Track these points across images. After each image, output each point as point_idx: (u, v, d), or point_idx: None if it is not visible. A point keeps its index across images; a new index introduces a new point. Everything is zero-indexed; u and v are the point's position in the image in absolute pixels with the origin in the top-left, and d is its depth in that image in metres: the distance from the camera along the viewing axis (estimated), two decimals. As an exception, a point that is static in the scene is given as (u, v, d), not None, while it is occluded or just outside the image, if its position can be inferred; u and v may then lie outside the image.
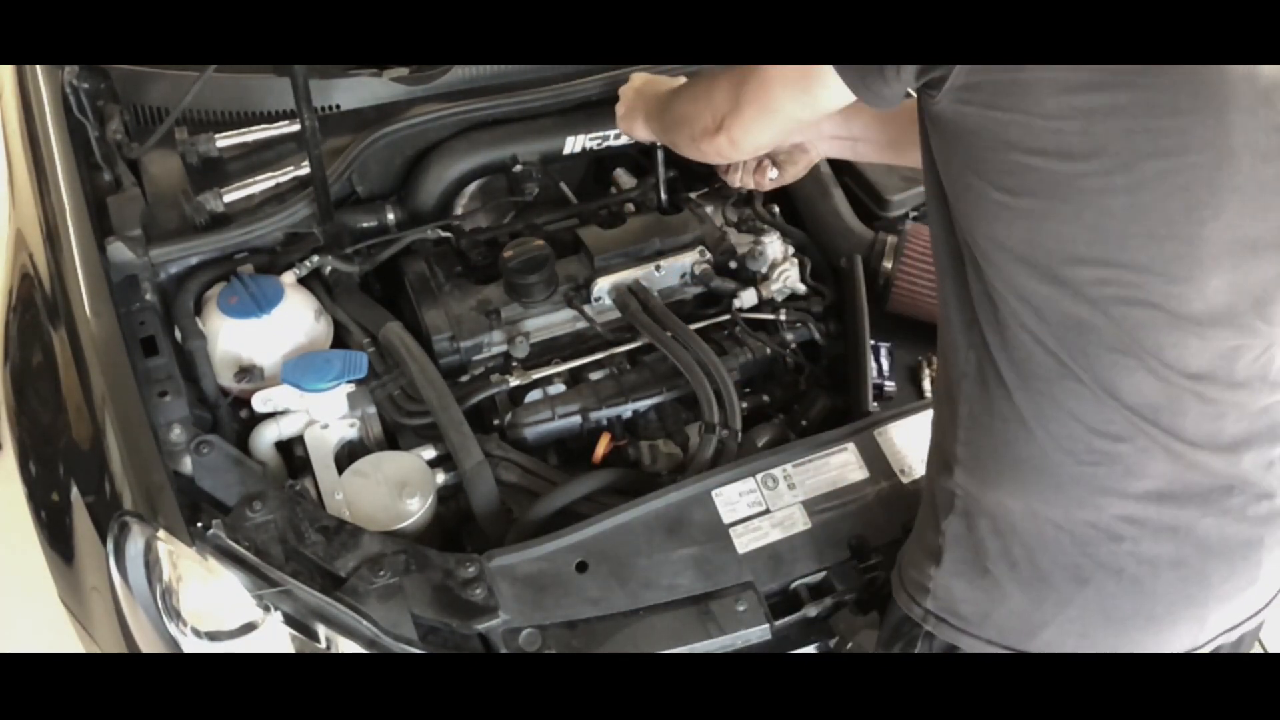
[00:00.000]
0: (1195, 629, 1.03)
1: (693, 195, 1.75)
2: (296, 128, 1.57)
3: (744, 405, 1.45)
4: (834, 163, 1.72)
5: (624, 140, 1.72)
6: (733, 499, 1.27)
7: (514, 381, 1.46)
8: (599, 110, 1.71)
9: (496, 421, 1.44)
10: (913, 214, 1.67)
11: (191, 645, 1.17)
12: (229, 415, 1.40)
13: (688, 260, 1.59)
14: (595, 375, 1.51)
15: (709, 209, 1.71)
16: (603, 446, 1.42)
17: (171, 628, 1.17)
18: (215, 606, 1.16)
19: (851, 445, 1.34)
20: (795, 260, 1.62)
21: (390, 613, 1.13)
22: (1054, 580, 0.99)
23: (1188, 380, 0.92)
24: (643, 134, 1.45)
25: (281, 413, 1.39)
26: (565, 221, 1.69)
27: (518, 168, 1.65)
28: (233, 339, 1.43)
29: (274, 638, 1.15)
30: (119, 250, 1.39)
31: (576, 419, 1.44)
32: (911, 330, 1.60)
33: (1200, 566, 0.99)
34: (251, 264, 1.52)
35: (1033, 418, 0.96)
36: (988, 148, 0.90)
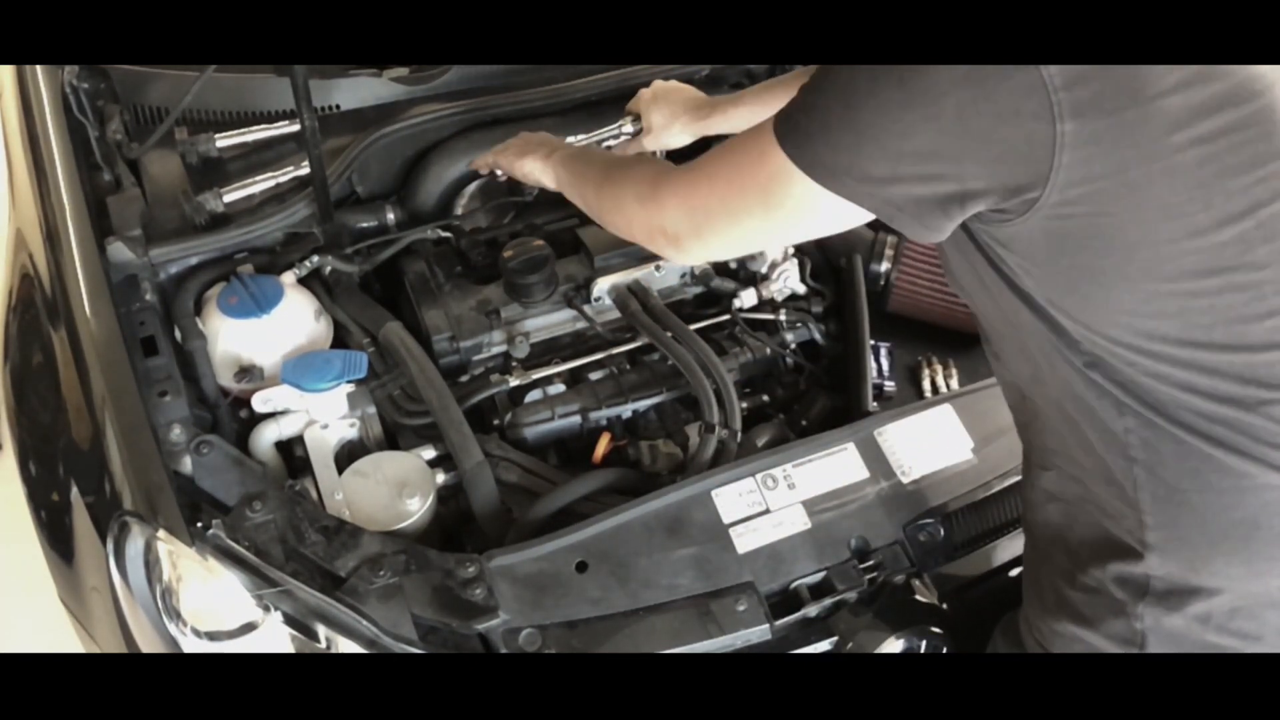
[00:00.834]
0: None
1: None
2: (296, 128, 1.57)
3: (744, 405, 1.45)
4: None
5: (624, 140, 1.72)
6: (733, 499, 1.27)
7: (514, 381, 1.46)
8: (599, 110, 1.71)
9: (496, 421, 1.44)
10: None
11: (191, 645, 1.17)
12: (229, 415, 1.40)
13: (688, 260, 1.59)
14: (595, 375, 1.51)
15: (709, 209, 1.71)
16: (603, 446, 1.42)
17: (171, 628, 1.17)
18: (215, 606, 1.16)
19: (851, 445, 1.34)
20: (795, 260, 1.62)
21: (390, 613, 1.13)
22: None
23: None
24: (535, 174, 1.41)
25: (281, 413, 1.39)
26: (565, 221, 1.68)
27: (518, 167, 1.65)
28: (233, 339, 1.43)
29: (274, 638, 1.15)
30: (119, 250, 1.39)
31: (576, 419, 1.44)
32: (911, 330, 1.60)
33: None
34: (251, 264, 1.52)
35: (1239, 476, 0.92)
36: (1118, 249, 0.86)
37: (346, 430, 1.39)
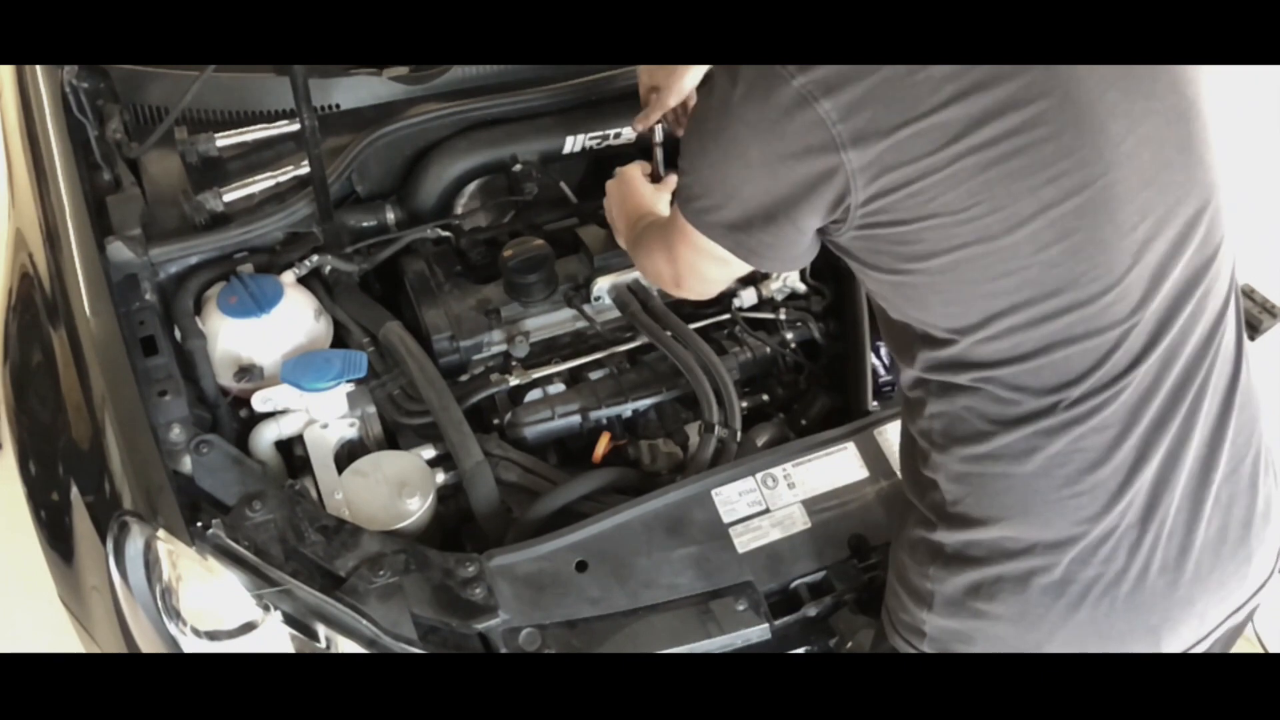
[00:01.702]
0: (1196, 625, 1.03)
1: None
2: (296, 127, 1.57)
3: (744, 404, 1.45)
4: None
5: (624, 139, 1.73)
6: (733, 498, 1.27)
7: (514, 381, 1.46)
8: (599, 110, 1.71)
9: (496, 421, 1.44)
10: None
11: (191, 645, 1.17)
12: (229, 415, 1.40)
13: (687, 260, 1.59)
14: (595, 375, 1.51)
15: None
16: (603, 446, 1.42)
17: (171, 627, 1.17)
18: (215, 606, 1.16)
19: (851, 445, 1.34)
20: (795, 260, 1.62)
21: (390, 612, 1.13)
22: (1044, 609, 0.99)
23: None
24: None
25: (281, 412, 1.39)
26: (565, 221, 1.68)
27: (517, 167, 1.65)
28: (232, 338, 1.43)
29: (274, 637, 1.15)
30: (119, 250, 1.39)
31: (576, 418, 1.44)
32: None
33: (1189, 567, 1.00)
34: (251, 264, 1.52)
35: (1016, 458, 0.97)
36: (916, 249, 0.92)
37: (346, 430, 1.39)
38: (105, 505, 1.22)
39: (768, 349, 1.55)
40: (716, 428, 1.37)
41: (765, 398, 1.52)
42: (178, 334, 1.41)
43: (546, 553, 1.21)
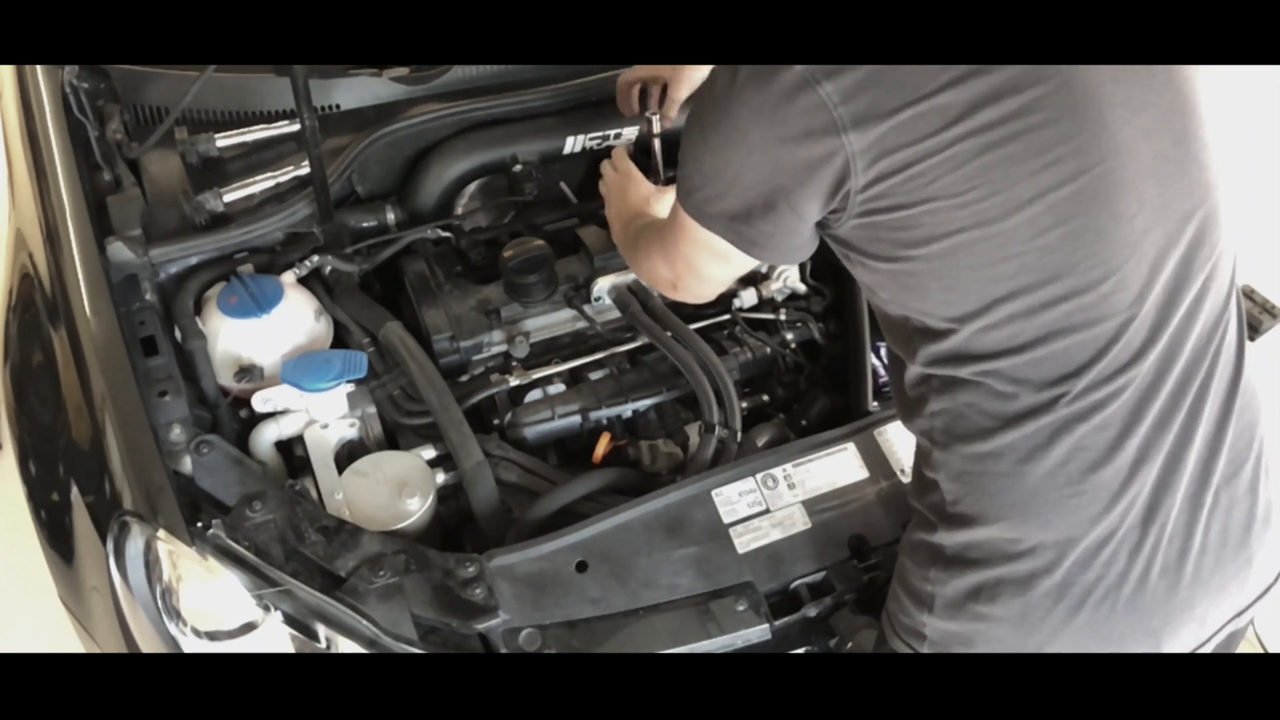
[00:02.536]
0: (1196, 629, 1.03)
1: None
2: (296, 128, 1.57)
3: (744, 405, 1.45)
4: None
5: (624, 140, 1.72)
6: (733, 499, 1.27)
7: (514, 381, 1.46)
8: (599, 110, 1.71)
9: (496, 421, 1.44)
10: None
11: (191, 645, 1.17)
12: (229, 415, 1.40)
13: (688, 260, 1.59)
14: (595, 375, 1.51)
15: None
16: (603, 446, 1.42)
17: (171, 628, 1.17)
18: (215, 606, 1.16)
19: (851, 445, 1.34)
20: (795, 260, 1.62)
21: (390, 613, 1.13)
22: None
23: None
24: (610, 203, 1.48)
25: (281, 413, 1.39)
26: (565, 221, 1.68)
27: (518, 168, 1.64)
28: (233, 339, 1.43)
29: (274, 638, 1.15)
30: (119, 250, 1.39)
31: (576, 419, 1.44)
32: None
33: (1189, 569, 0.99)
34: (251, 264, 1.52)
35: (1017, 456, 0.96)
36: (915, 234, 0.92)
37: (346, 430, 1.39)
38: (105, 505, 1.22)
39: (768, 349, 1.55)
40: (717, 428, 1.37)
41: (765, 398, 1.52)
42: (178, 334, 1.41)
43: (547, 553, 1.21)
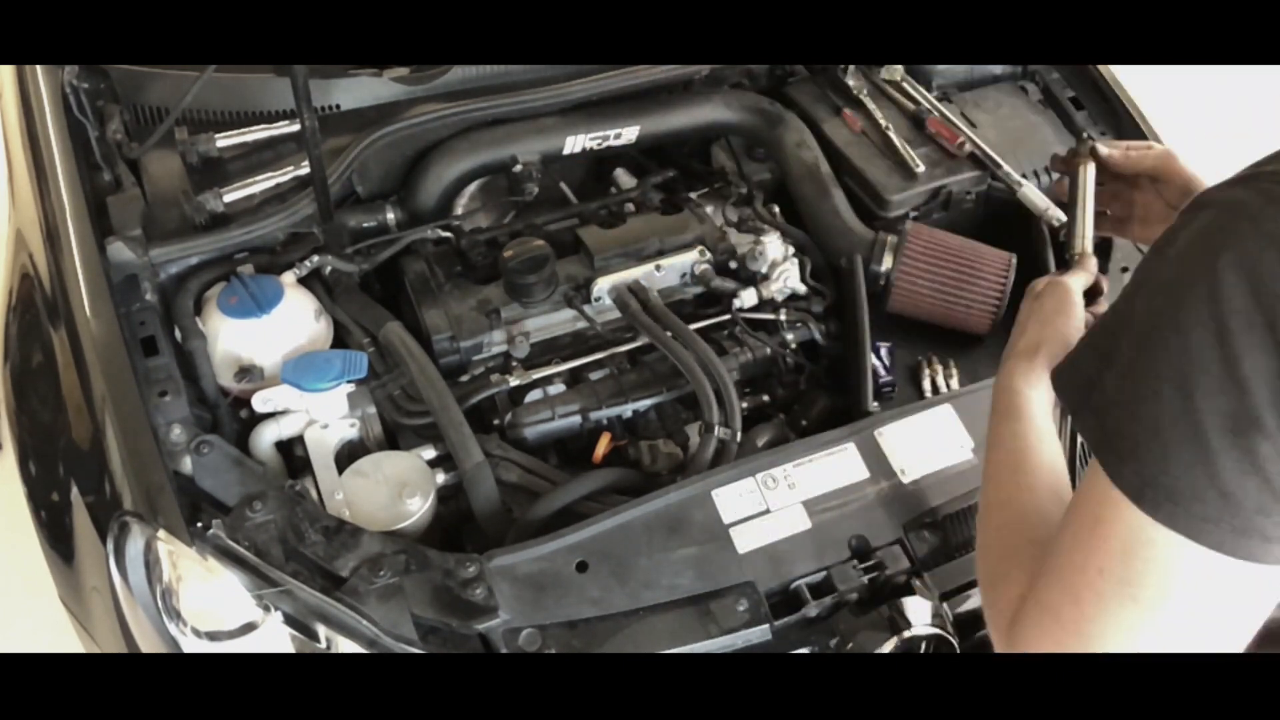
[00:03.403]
0: None
1: (693, 195, 1.75)
2: (296, 128, 1.57)
3: (744, 405, 1.45)
4: (834, 162, 1.72)
5: (624, 140, 1.73)
6: (733, 499, 1.27)
7: (514, 381, 1.46)
8: (599, 110, 1.72)
9: (496, 421, 1.44)
10: (913, 214, 1.67)
11: (191, 645, 1.17)
12: (229, 415, 1.40)
13: (688, 260, 1.59)
14: (595, 375, 1.51)
15: (709, 209, 1.71)
16: (603, 446, 1.42)
17: (171, 628, 1.17)
18: (215, 606, 1.17)
19: (851, 445, 1.34)
20: (795, 260, 1.62)
21: (390, 613, 1.13)
22: None
23: None
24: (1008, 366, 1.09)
25: (281, 413, 1.39)
26: (565, 221, 1.68)
27: (518, 168, 1.65)
28: (233, 339, 1.43)
29: (274, 638, 1.15)
30: (119, 250, 1.39)
31: (576, 419, 1.44)
32: (911, 330, 1.60)
33: None
34: (251, 264, 1.52)
35: None
36: None
37: (347, 430, 1.39)
38: (105, 505, 1.22)
39: (768, 350, 1.55)
40: (717, 428, 1.37)
41: (766, 398, 1.52)
42: (178, 334, 1.41)
43: (547, 553, 1.21)
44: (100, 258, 1.37)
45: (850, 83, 1.82)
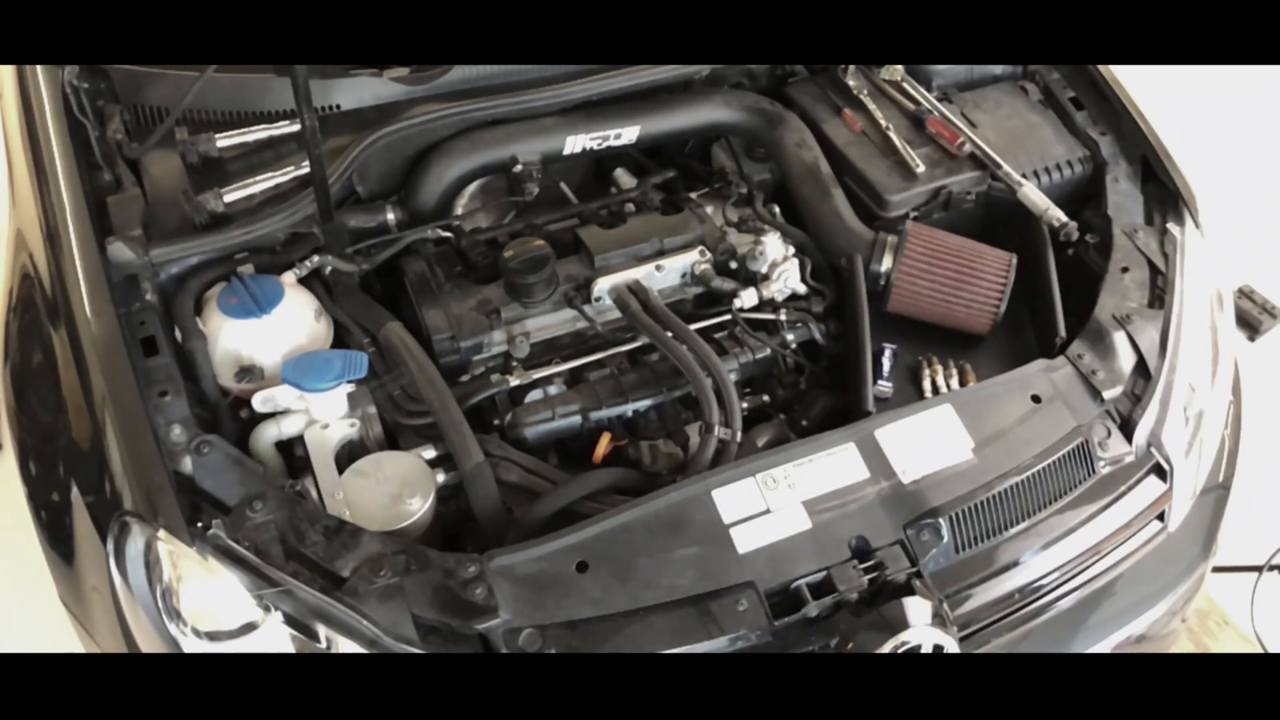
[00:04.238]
0: None
1: (693, 195, 1.75)
2: (296, 128, 1.57)
3: (744, 405, 1.45)
4: (834, 162, 1.72)
5: (624, 140, 1.73)
6: (733, 499, 1.27)
7: (514, 381, 1.46)
8: (599, 110, 1.72)
9: (496, 421, 1.44)
10: (913, 214, 1.67)
11: (191, 645, 1.17)
12: (229, 415, 1.40)
13: (688, 260, 1.59)
14: (595, 375, 1.51)
15: (709, 209, 1.71)
16: (603, 446, 1.42)
17: (171, 628, 1.17)
18: (215, 606, 1.17)
19: (852, 445, 1.34)
20: (795, 260, 1.62)
21: (390, 613, 1.13)
22: None
23: None
24: None
25: (281, 413, 1.39)
26: (565, 221, 1.69)
27: (518, 168, 1.65)
28: (233, 339, 1.43)
29: (274, 638, 1.15)
30: (119, 250, 1.39)
31: (576, 419, 1.44)
32: (911, 330, 1.60)
33: None
34: (252, 264, 1.52)
35: None
36: None
37: (347, 430, 1.39)
38: (106, 505, 1.22)
39: (768, 350, 1.55)
40: (717, 428, 1.37)
41: (766, 398, 1.52)
42: (178, 334, 1.41)
43: (547, 553, 1.21)
44: (100, 258, 1.37)
45: (850, 83, 1.82)
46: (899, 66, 1.84)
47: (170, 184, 1.57)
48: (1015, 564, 1.32)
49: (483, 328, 1.50)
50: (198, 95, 1.52)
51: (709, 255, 1.60)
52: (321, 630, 1.14)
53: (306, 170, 1.51)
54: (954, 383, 1.54)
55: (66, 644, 1.50)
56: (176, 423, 1.25)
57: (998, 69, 1.90)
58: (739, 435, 1.38)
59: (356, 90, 1.69)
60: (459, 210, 1.73)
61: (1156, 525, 1.44)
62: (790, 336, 1.58)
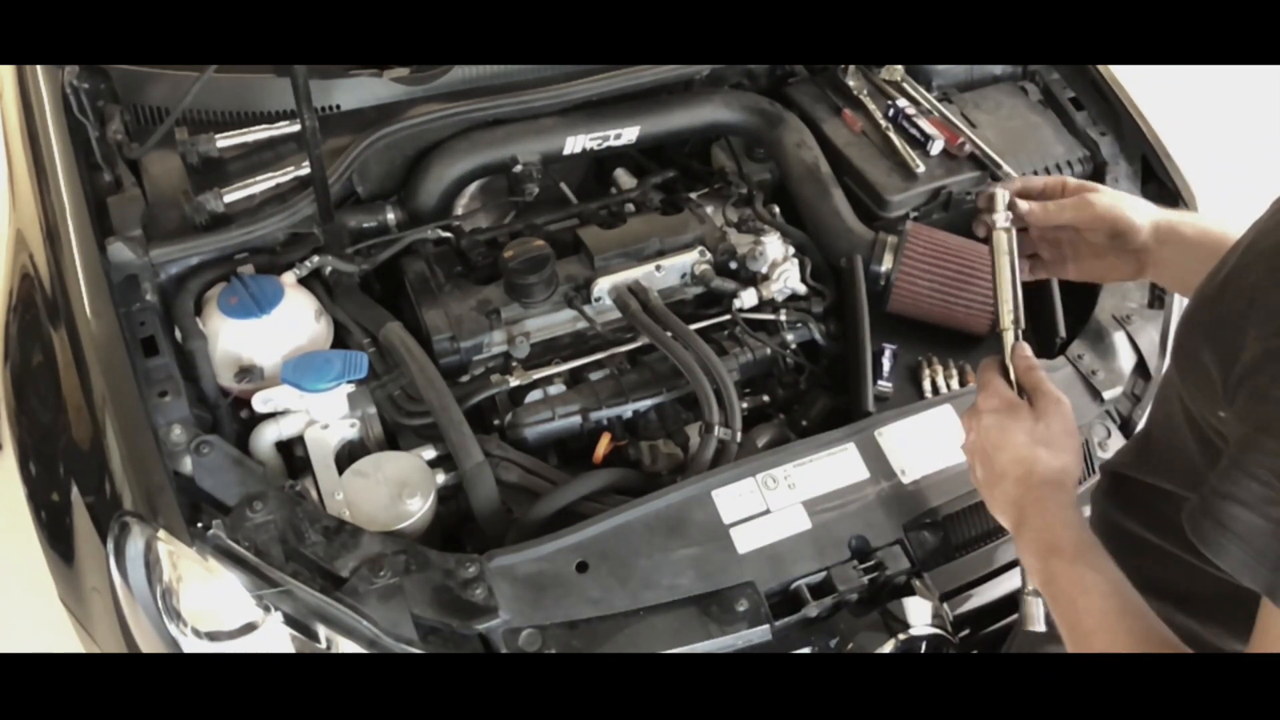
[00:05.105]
0: None
1: (693, 195, 1.75)
2: (296, 128, 1.57)
3: (744, 405, 1.45)
4: (834, 162, 1.72)
5: (624, 140, 1.73)
6: (733, 499, 1.27)
7: (514, 381, 1.46)
8: (599, 110, 1.72)
9: (496, 421, 1.44)
10: (913, 214, 1.67)
11: (191, 645, 1.17)
12: (229, 415, 1.40)
13: (688, 260, 1.59)
14: (595, 375, 1.51)
15: (709, 209, 1.71)
16: (603, 446, 1.42)
17: (171, 628, 1.17)
18: (215, 606, 1.17)
19: (852, 445, 1.34)
20: (795, 260, 1.62)
21: (390, 613, 1.13)
22: None
23: None
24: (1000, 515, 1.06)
25: (281, 413, 1.39)
26: (565, 221, 1.69)
27: (518, 168, 1.65)
28: (233, 339, 1.43)
29: (274, 638, 1.15)
30: (119, 250, 1.39)
31: (576, 419, 1.44)
32: (911, 330, 1.60)
33: None
34: (252, 264, 1.52)
35: None
36: None
37: (347, 430, 1.39)
38: (106, 506, 1.22)
39: (768, 350, 1.55)
40: (717, 428, 1.37)
41: (766, 399, 1.52)
42: (178, 335, 1.41)
43: (547, 553, 1.21)
44: (100, 258, 1.38)
45: (850, 83, 1.82)
46: (899, 66, 1.84)
47: (170, 184, 1.57)
48: (1015, 564, 1.32)
49: (483, 328, 1.50)
50: (198, 95, 1.52)
51: (709, 255, 1.60)
52: (321, 630, 1.14)
53: (306, 170, 1.51)
54: (954, 383, 1.54)
55: (66, 644, 1.50)
56: (176, 423, 1.25)
57: (998, 69, 1.90)
58: (739, 435, 1.38)
59: (356, 90, 1.69)
60: (459, 210, 1.73)
61: (1156, 525, 1.44)
62: (790, 336, 1.58)
